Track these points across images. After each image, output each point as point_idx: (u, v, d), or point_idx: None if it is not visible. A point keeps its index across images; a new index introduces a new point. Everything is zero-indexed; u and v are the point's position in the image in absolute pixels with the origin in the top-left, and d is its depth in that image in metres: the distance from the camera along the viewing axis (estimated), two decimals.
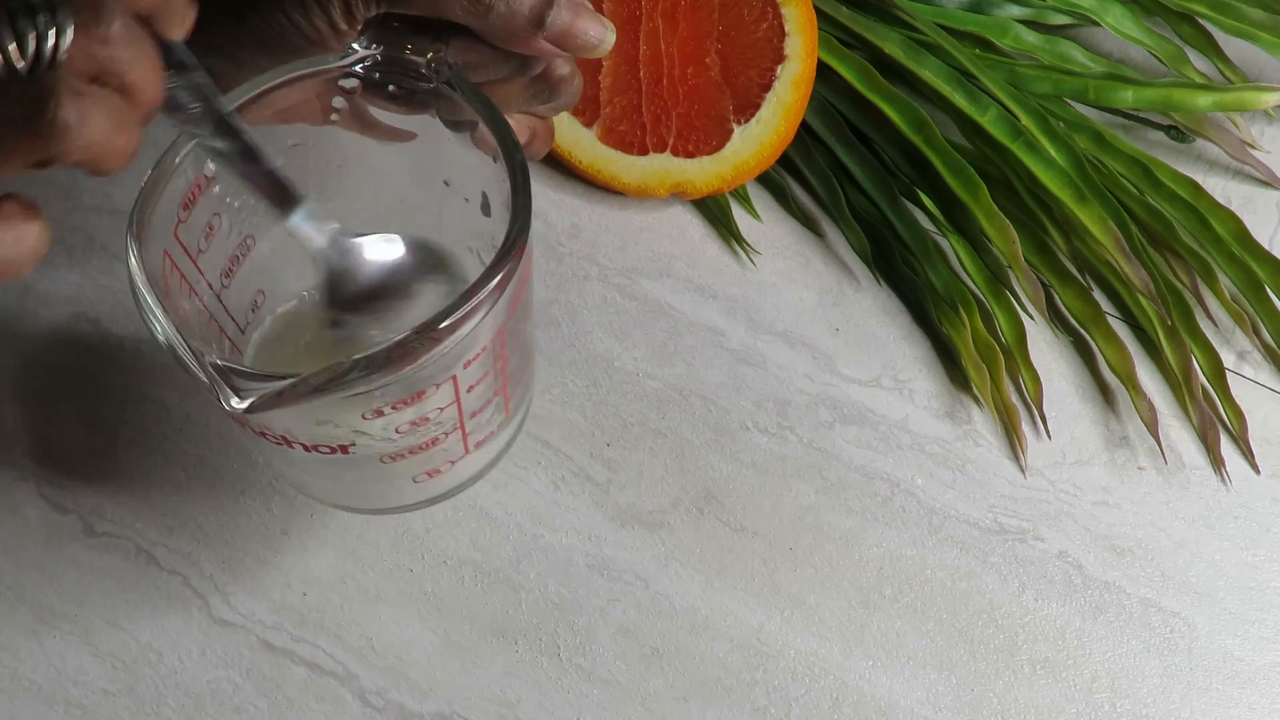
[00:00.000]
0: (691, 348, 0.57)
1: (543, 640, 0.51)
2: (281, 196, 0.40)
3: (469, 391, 0.42)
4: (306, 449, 0.42)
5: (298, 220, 0.41)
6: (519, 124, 0.46)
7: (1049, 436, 0.57)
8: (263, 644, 0.50)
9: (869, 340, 0.58)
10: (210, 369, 0.36)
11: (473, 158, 0.43)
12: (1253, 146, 0.64)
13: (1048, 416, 0.58)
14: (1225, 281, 0.60)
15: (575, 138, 0.59)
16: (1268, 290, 0.60)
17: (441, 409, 0.42)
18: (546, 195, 0.59)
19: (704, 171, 0.58)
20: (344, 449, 0.42)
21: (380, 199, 0.47)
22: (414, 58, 0.41)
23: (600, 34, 0.41)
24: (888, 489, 0.55)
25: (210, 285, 0.43)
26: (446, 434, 0.43)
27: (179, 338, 0.37)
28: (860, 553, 0.54)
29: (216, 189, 0.41)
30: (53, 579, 0.50)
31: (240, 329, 0.46)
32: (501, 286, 0.38)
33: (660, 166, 0.58)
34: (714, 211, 0.60)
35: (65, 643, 0.49)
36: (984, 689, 0.53)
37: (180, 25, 0.35)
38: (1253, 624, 0.55)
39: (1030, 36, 0.63)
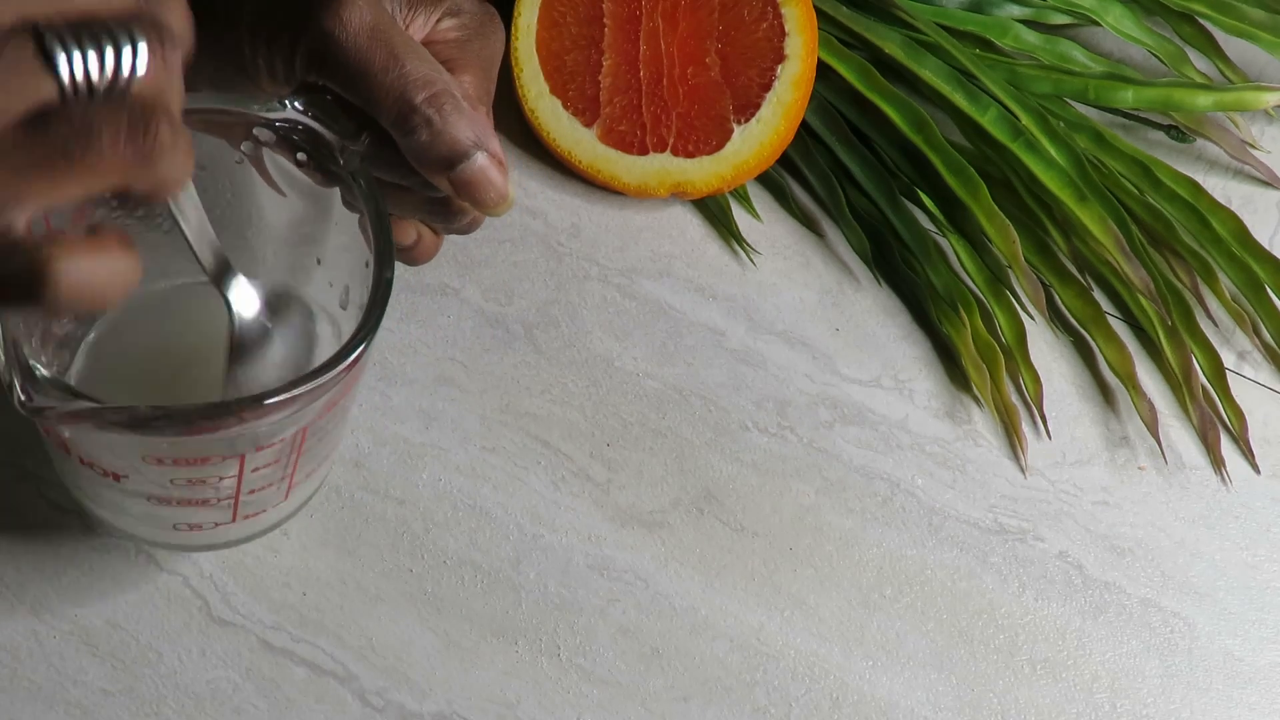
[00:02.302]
0: (691, 348, 0.57)
1: (543, 640, 0.51)
2: (217, 264, 0.40)
3: (254, 472, 0.42)
4: (82, 461, 0.42)
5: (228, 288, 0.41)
6: (408, 226, 0.46)
7: (1049, 436, 0.57)
8: (263, 644, 0.50)
9: (869, 340, 0.58)
10: (13, 361, 0.36)
11: (353, 250, 0.43)
12: (1253, 146, 0.64)
13: (1048, 416, 0.58)
14: (1225, 281, 0.60)
15: (575, 138, 0.59)
16: (1268, 290, 0.60)
17: (221, 478, 0.42)
18: (547, 195, 0.59)
19: (704, 171, 0.58)
20: (116, 476, 0.42)
21: (252, 244, 0.47)
22: (332, 137, 0.42)
23: (498, 199, 0.42)
24: (888, 489, 0.55)
25: None
26: (219, 500, 0.44)
27: None
28: (860, 553, 0.54)
29: None
30: (53, 579, 0.50)
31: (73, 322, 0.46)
32: (322, 391, 0.38)
33: (660, 166, 0.58)
34: (714, 211, 0.60)
35: (65, 643, 0.49)
36: (984, 689, 0.53)
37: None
38: (1253, 624, 0.55)
39: (1030, 36, 0.63)
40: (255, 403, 0.37)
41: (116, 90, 0.31)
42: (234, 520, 0.46)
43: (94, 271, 0.31)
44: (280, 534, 0.51)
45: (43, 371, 0.36)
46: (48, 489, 0.51)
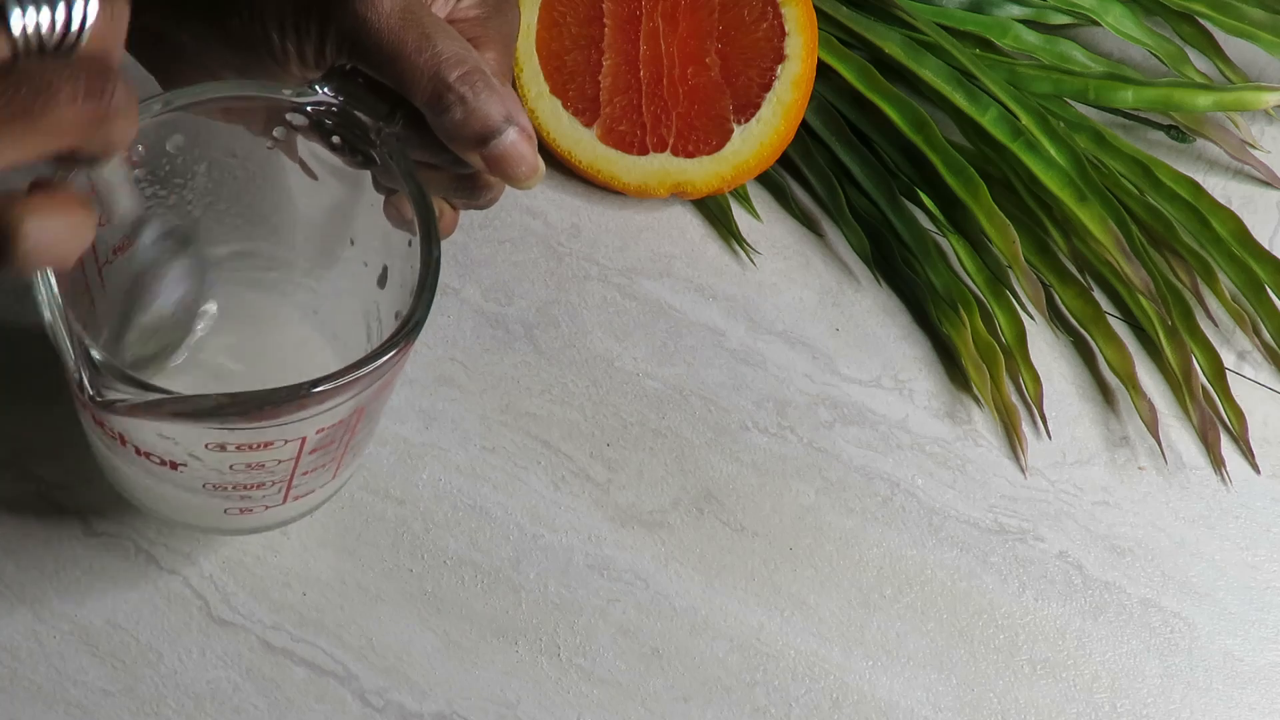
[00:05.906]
0: (691, 348, 0.57)
1: (543, 640, 0.51)
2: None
3: (311, 453, 0.43)
4: (138, 452, 0.42)
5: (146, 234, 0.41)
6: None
7: (1049, 436, 0.57)
8: (263, 644, 0.50)
9: (869, 340, 0.58)
10: (82, 357, 0.36)
11: (388, 228, 0.44)
12: (1253, 146, 0.64)
13: (1048, 416, 0.58)
14: (1225, 281, 0.60)
15: (575, 138, 0.59)
16: (1268, 290, 0.60)
17: (280, 461, 0.42)
18: (546, 195, 0.59)
19: (704, 171, 0.58)
20: (174, 465, 0.42)
21: (282, 229, 0.47)
22: (366, 119, 0.42)
23: (529, 172, 0.43)
24: (888, 489, 0.55)
25: (96, 258, 0.43)
26: (274, 483, 0.44)
27: (64, 321, 0.37)
28: (860, 553, 0.54)
29: (137, 171, 0.42)
30: (53, 579, 0.50)
31: (109, 309, 0.46)
32: (382, 372, 0.39)
33: (660, 166, 0.58)
34: (714, 211, 0.60)
35: (65, 643, 0.49)
36: (984, 689, 0.53)
37: None
38: (1253, 624, 0.55)
39: (1030, 36, 0.63)
40: (320, 385, 0.38)
41: (66, 46, 0.31)
42: (285, 501, 0.46)
43: (59, 229, 0.32)
44: (280, 534, 0.51)
45: (98, 355, 0.36)
46: (48, 489, 0.51)
